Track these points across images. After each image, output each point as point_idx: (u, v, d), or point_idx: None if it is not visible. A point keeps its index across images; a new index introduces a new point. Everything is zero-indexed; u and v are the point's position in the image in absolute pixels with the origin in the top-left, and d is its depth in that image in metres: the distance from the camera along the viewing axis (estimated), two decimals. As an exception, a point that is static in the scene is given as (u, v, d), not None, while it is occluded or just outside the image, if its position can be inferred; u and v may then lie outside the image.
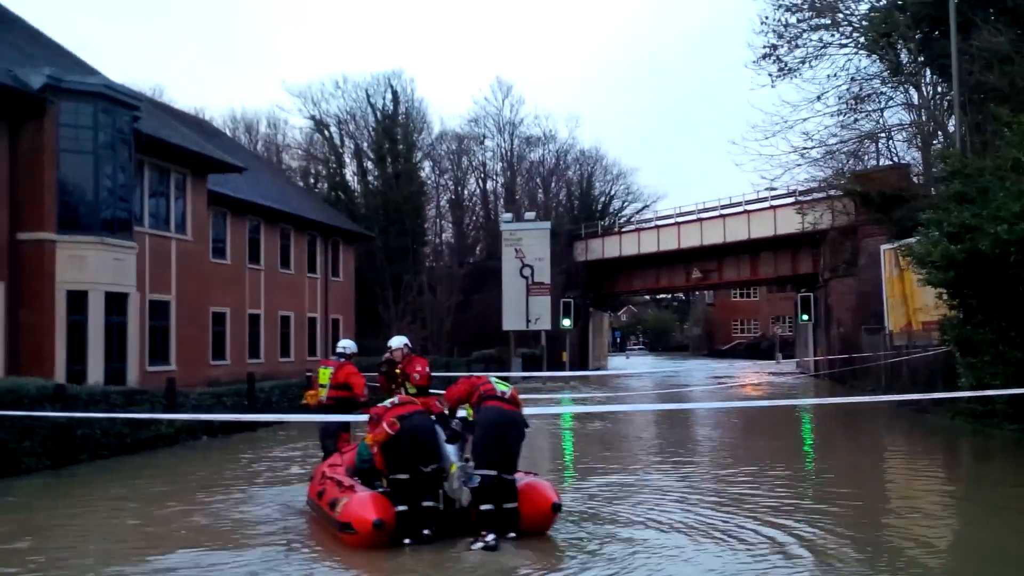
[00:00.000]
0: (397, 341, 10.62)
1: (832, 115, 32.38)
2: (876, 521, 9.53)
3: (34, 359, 18.10)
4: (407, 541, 8.25)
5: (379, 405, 9.05)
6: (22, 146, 18.77)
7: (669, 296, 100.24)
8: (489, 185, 58.74)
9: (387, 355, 10.50)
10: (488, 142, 57.46)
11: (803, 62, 31.50)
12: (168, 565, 7.94)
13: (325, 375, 11.02)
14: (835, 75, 31.87)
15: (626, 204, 64.32)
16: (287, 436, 19.04)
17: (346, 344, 11.48)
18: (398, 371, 10.30)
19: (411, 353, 10.54)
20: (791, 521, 9.26)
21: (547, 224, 44.65)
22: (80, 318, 19.05)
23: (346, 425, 11.27)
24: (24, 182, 18.72)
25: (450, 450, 8.83)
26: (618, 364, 67.11)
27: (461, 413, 9.09)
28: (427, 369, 10.40)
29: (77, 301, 19.03)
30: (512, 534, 8.38)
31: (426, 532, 8.38)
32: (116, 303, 19.91)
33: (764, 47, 31.64)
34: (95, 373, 18.85)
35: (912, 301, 26.28)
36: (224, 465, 14.98)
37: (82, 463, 14.78)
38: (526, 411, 8.93)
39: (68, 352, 18.75)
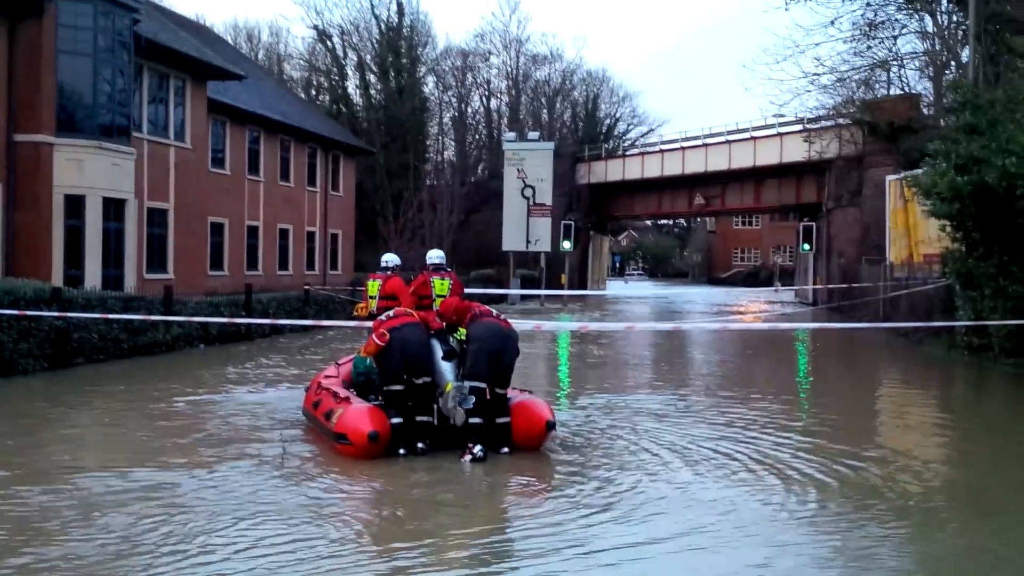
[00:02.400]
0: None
1: (845, 41, 31.90)
2: (866, 454, 9.54)
3: (30, 263, 18.07)
4: (402, 452, 8.33)
5: (378, 319, 9.07)
6: (20, 46, 18.43)
7: (670, 222, 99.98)
8: (493, 103, 58.02)
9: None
10: (493, 59, 56.58)
11: (819, -17, 30.85)
12: (159, 480, 7.98)
13: (374, 287, 11.25)
14: (850, -1, 31.20)
15: (631, 127, 63.71)
16: (284, 345, 19.12)
17: (389, 258, 11.67)
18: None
19: (393, 273, 10.73)
20: (782, 448, 9.30)
21: (550, 145, 44.13)
22: (77, 223, 18.93)
23: None
24: (22, 83, 18.43)
25: (446, 367, 8.84)
26: (617, 289, 67.15)
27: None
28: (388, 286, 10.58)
29: (74, 205, 18.90)
30: (506, 449, 8.49)
31: (420, 445, 8.46)
32: (114, 209, 19.77)
33: (780, -33, 30.88)
34: (92, 278, 18.80)
35: (915, 233, 26.15)
36: (220, 373, 15.03)
37: (78, 366, 14.85)
38: (527, 322, 8.94)
39: (65, 256, 18.71)
